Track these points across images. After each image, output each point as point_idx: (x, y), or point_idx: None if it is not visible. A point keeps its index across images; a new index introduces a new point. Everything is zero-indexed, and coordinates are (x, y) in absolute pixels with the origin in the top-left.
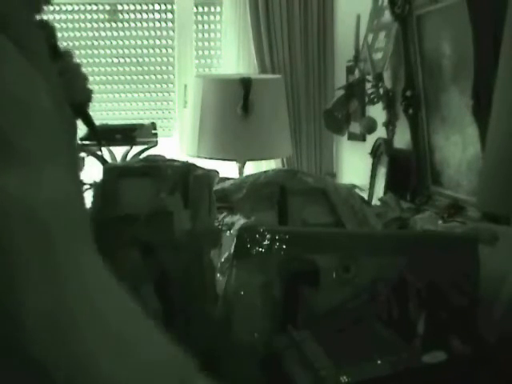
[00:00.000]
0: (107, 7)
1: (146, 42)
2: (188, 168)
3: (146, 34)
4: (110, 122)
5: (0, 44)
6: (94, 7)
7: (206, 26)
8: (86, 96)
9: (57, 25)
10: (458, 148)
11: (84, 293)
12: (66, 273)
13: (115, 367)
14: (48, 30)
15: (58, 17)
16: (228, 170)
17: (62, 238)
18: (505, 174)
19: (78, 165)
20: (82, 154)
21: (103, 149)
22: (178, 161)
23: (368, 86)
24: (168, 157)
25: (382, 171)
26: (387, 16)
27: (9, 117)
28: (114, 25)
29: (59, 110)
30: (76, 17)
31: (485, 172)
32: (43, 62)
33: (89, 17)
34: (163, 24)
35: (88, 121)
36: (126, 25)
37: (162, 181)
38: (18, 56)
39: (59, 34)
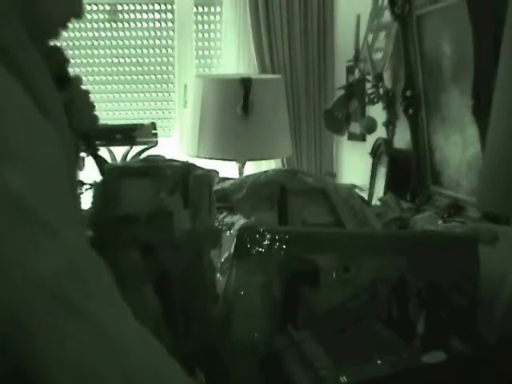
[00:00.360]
0: (107, 7)
1: (146, 42)
2: (188, 168)
3: (146, 34)
4: (110, 122)
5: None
6: (94, 7)
7: (206, 26)
8: (93, 124)
9: None
10: (458, 148)
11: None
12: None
13: None
14: (57, 56)
15: None
16: (228, 170)
17: (82, 298)
18: (505, 174)
19: (80, 210)
20: (82, 154)
21: (103, 149)
22: (178, 161)
23: (368, 85)
24: (168, 157)
25: (382, 171)
26: (387, 16)
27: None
28: (114, 25)
29: (61, 138)
30: None
31: (485, 172)
32: (45, 91)
33: (89, 17)
34: (163, 24)
35: (92, 148)
36: (126, 25)
37: (162, 181)
38: (22, 98)
39: None
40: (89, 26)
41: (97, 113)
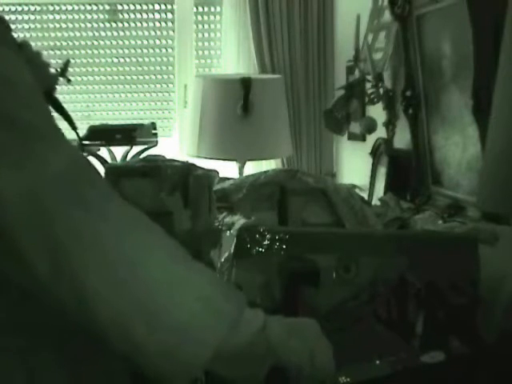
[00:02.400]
0: (107, 7)
1: (146, 42)
2: (188, 168)
3: (146, 33)
4: (110, 122)
5: None
6: (94, 7)
7: (206, 26)
8: (51, 82)
9: (57, 25)
10: (458, 148)
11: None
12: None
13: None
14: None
15: (58, 17)
16: (228, 170)
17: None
18: (505, 174)
19: None
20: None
21: (103, 149)
22: (178, 161)
23: (368, 85)
24: (168, 157)
25: (382, 171)
26: (387, 16)
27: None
28: (114, 25)
29: None
30: (76, 17)
31: (485, 172)
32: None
33: (89, 17)
34: (163, 24)
35: (57, 106)
36: (126, 25)
37: (162, 181)
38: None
39: (59, 34)
40: (89, 25)
41: (53, 71)
